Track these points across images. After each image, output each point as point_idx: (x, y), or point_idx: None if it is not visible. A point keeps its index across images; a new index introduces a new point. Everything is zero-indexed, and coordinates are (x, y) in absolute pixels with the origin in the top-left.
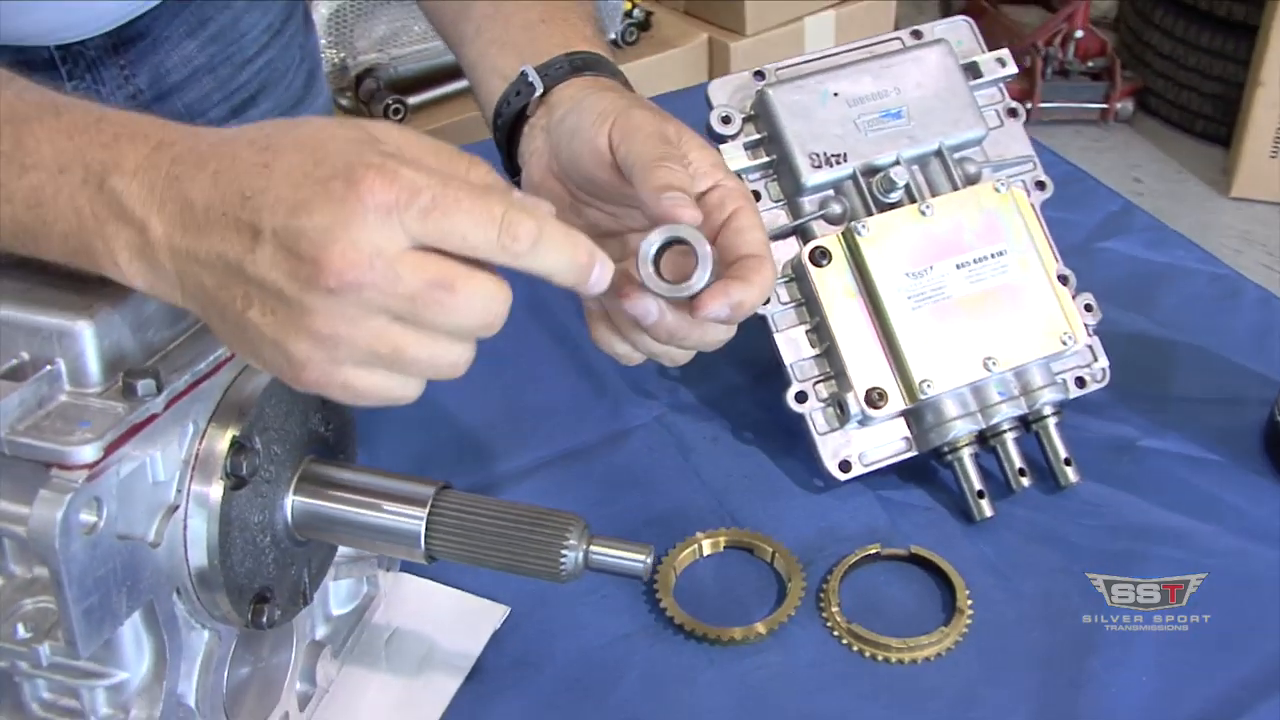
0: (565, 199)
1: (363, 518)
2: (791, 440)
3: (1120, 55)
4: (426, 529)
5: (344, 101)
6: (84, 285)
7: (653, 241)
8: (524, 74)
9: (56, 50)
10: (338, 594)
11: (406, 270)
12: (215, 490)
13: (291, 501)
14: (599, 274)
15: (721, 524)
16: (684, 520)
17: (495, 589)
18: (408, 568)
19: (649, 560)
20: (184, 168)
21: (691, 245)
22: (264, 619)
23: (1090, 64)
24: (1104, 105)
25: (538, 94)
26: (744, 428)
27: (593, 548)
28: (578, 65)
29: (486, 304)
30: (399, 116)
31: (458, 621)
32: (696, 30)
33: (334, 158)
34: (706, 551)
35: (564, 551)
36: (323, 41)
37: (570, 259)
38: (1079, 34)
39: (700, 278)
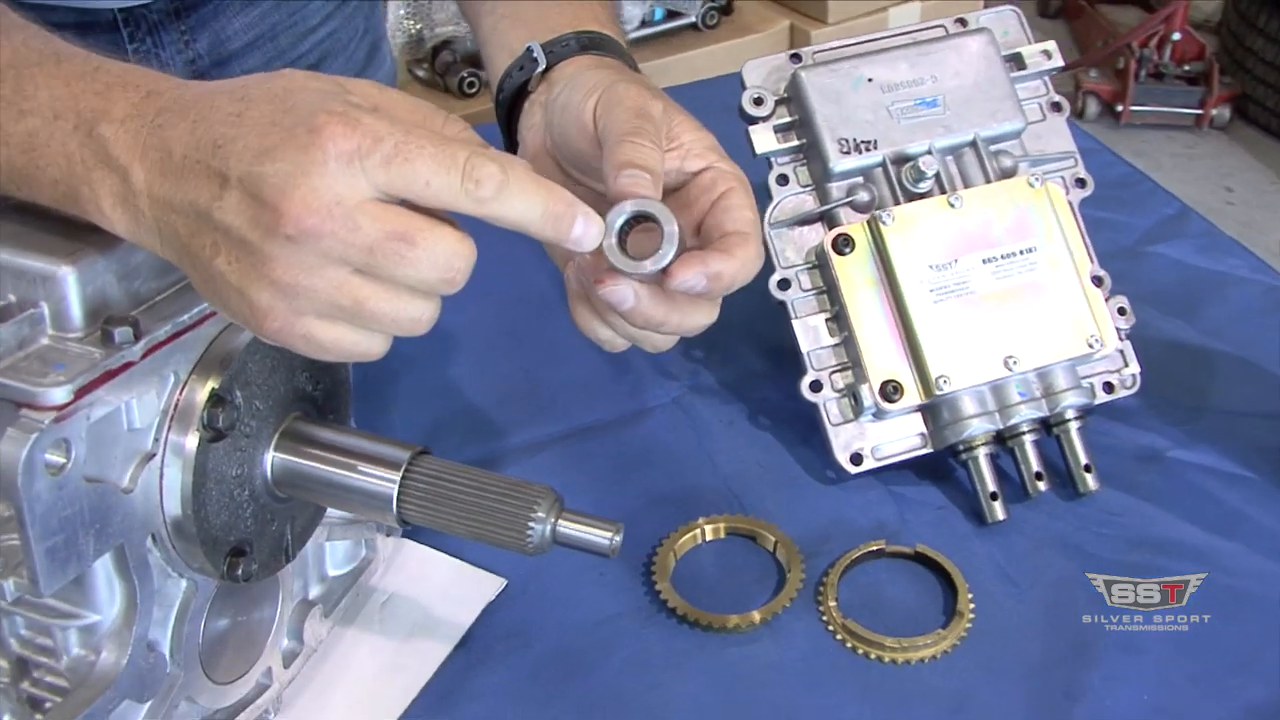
0: (559, 177)
1: (338, 477)
2: (808, 429)
3: (1220, 60)
4: (399, 493)
5: (420, 73)
6: (77, 231)
7: (615, 217)
8: (529, 49)
9: (119, 13)
10: (334, 555)
11: (366, 220)
12: (191, 440)
13: (272, 457)
14: (583, 227)
15: (729, 509)
16: (692, 503)
17: (495, 560)
18: (410, 533)
19: (616, 537)
20: (168, 116)
21: (656, 219)
22: (239, 572)
23: (1187, 68)
24: (1199, 111)
25: (540, 69)
26: (762, 413)
27: (561, 522)
28: (584, 44)
29: (448, 258)
30: (473, 90)
31: (453, 590)
32: (778, 16)
33: (301, 107)
34: (708, 537)
35: (531, 524)
36: (400, 12)
37: (544, 207)
38: (1176, 36)
39: (667, 251)
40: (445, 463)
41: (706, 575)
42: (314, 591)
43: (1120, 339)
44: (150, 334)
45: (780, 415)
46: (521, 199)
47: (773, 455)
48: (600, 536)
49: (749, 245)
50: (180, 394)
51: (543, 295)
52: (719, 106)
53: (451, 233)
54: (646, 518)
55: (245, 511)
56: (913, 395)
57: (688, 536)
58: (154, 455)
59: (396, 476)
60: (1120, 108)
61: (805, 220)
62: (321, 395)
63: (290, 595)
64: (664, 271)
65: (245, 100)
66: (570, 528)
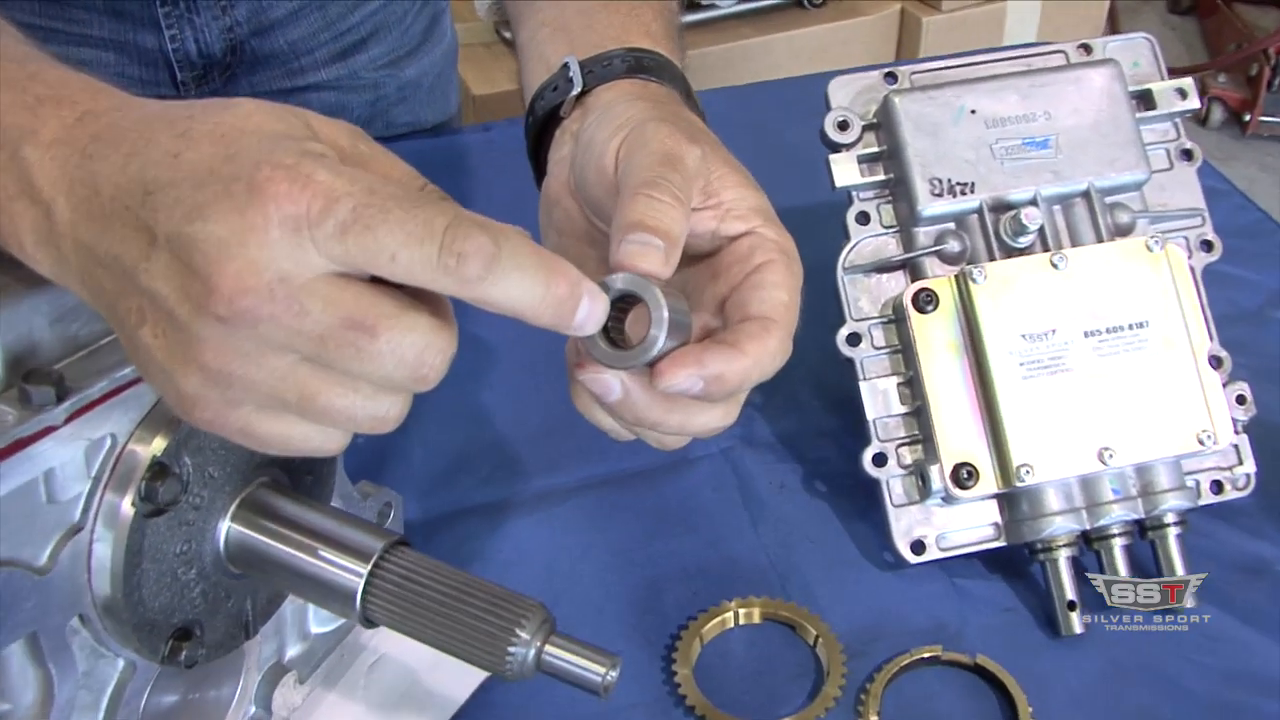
0: (581, 225)
1: (298, 562)
2: (868, 502)
3: None
4: (365, 588)
5: (507, 34)
6: (2, 264)
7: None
8: (565, 66)
9: None
10: (318, 612)
11: (315, 303)
12: (126, 515)
13: (227, 529)
14: (587, 312)
15: (768, 589)
16: (727, 578)
17: None
18: None
19: (611, 674)
20: (100, 146)
21: (644, 301)
22: (182, 657)
23: None
24: None
25: (575, 92)
26: (819, 477)
27: (549, 648)
28: (631, 65)
29: (418, 354)
30: None
31: (449, 658)
32: None
33: (246, 154)
34: (741, 621)
35: (512, 646)
36: None
37: (544, 290)
38: None
39: (652, 343)
40: (424, 559)
41: (735, 667)
42: (291, 652)
43: (1236, 432)
44: (80, 392)
45: (839, 482)
46: (517, 279)
47: (825, 529)
48: (592, 671)
49: (768, 337)
50: (117, 459)
51: None
52: (805, 111)
53: (425, 320)
54: (674, 590)
55: (192, 591)
56: (989, 483)
57: (717, 620)
58: (81, 529)
59: (364, 569)
60: (1248, 117)
61: (885, 267)
62: (296, 460)
63: (258, 662)
64: (651, 367)
65: (186, 137)
66: (558, 656)
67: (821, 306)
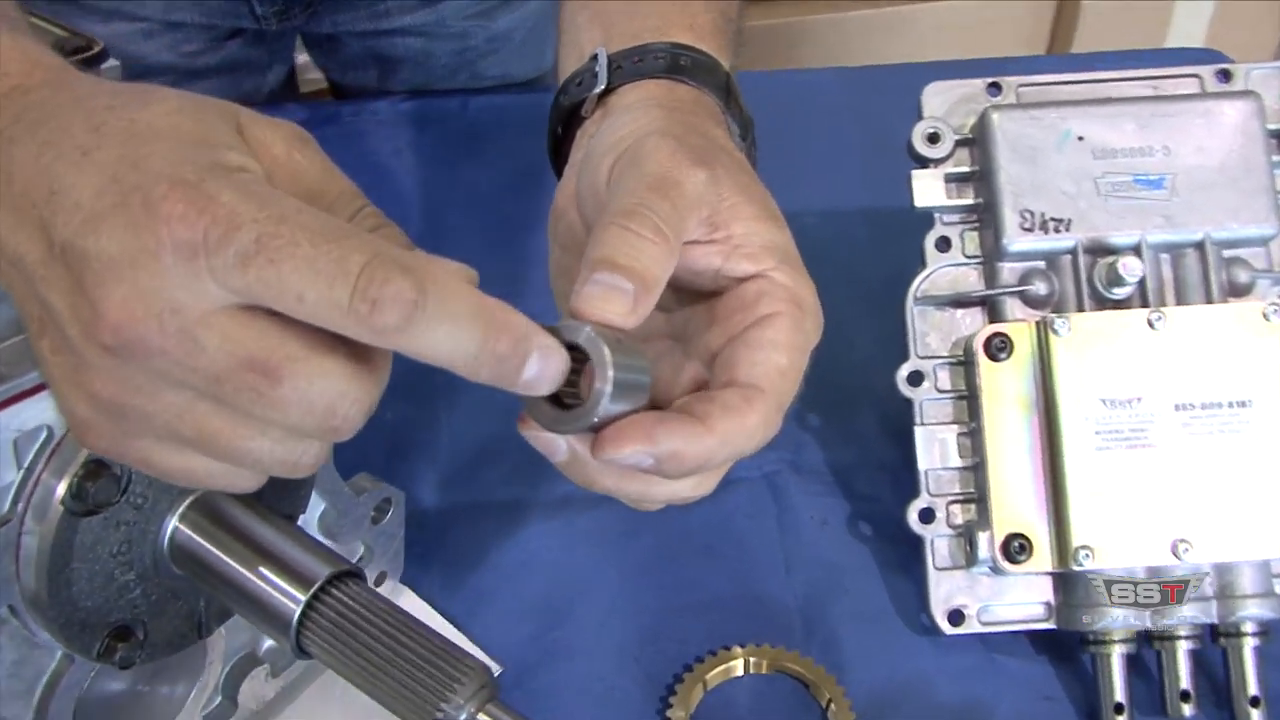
0: (585, 244)
1: (237, 576)
2: (913, 554)
3: None
4: (301, 618)
5: None
6: None
7: None
8: (594, 59)
9: None
10: None
11: (212, 339)
12: (55, 512)
13: (173, 529)
14: (538, 371)
15: (789, 635)
16: (746, 618)
17: (501, 640)
18: (409, 581)
19: None
20: (21, 128)
21: (589, 356)
22: (117, 658)
23: None
24: None
25: (598, 89)
26: (865, 518)
27: (482, 716)
28: (667, 63)
29: (329, 403)
30: None
31: None
32: None
33: (150, 162)
34: (751, 670)
35: (440, 710)
36: None
37: (478, 346)
38: None
39: (594, 407)
40: (372, 598)
41: (736, 718)
42: (268, 643)
43: None
44: (11, 380)
45: (887, 526)
46: (446, 332)
47: (862, 578)
48: None
49: (747, 413)
50: (52, 453)
51: None
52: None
53: (338, 366)
54: (685, 623)
55: (131, 592)
56: (1043, 559)
57: (725, 666)
58: (8, 520)
59: (303, 596)
60: None
61: (961, 302)
62: None
63: (224, 655)
64: (593, 430)
65: (99, 132)
66: None
67: (900, 328)
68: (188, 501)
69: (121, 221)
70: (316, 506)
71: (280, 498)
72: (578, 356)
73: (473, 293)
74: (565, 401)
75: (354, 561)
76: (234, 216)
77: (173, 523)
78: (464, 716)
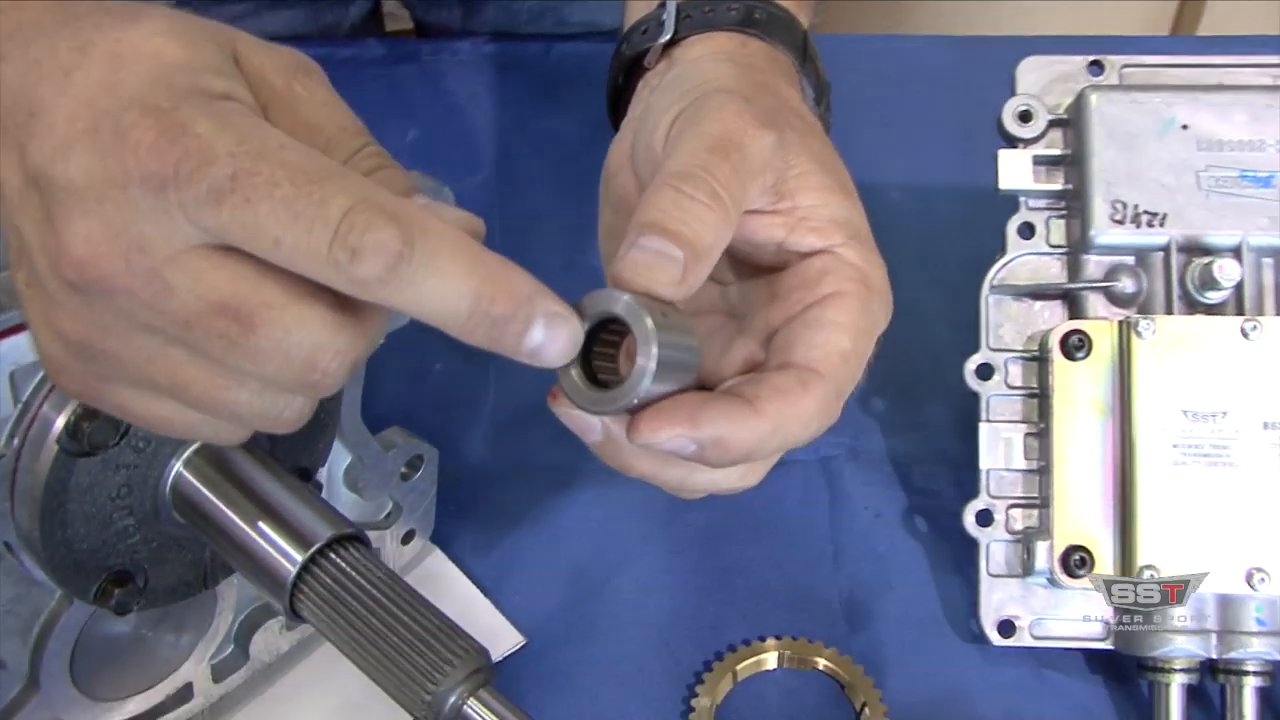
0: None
1: (235, 529)
2: (969, 556)
3: None
4: (295, 581)
5: None
6: None
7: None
8: (662, 5)
9: None
10: None
11: (182, 281)
12: (50, 452)
13: (175, 477)
14: (543, 339)
15: (829, 632)
16: (787, 607)
17: (529, 609)
18: (438, 540)
19: None
20: (13, 44)
21: (629, 327)
22: (113, 603)
23: None
24: None
25: (663, 39)
26: (923, 512)
27: (472, 703)
28: (740, 15)
29: (307, 354)
30: None
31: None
32: None
33: (130, 85)
34: (784, 664)
35: (428, 692)
36: None
37: (470, 305)
38: None
39: (635, 386)
40: (373, 566)
41: (762, 714)
42: None
43: None
44: (7, 310)
45: (944, 523)
46: (433, 287)
47: (912, 577)
48: None
49: (802, 398)
50: (51, 388)
51: None
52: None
53: (319, 315)
54: (722, 609)
55: (130, 537)
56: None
57: (758, 658)
58: (2, 456)
59: (300, 557)
60: None
61: (1040, 293)
62: None
63: (235, 605)
64: (631, 411)
65: (84, 51)
66: (479, 714)
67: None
68: (193, 448)
69: (91, 149)
70: (342, 458)
71: (297, 448)
72: (616, 329)
73: (470, 246)
74: (601, 378)
75: (382, 517)
76: (208, 149)
77: (176, 468)
78: (453, 700)
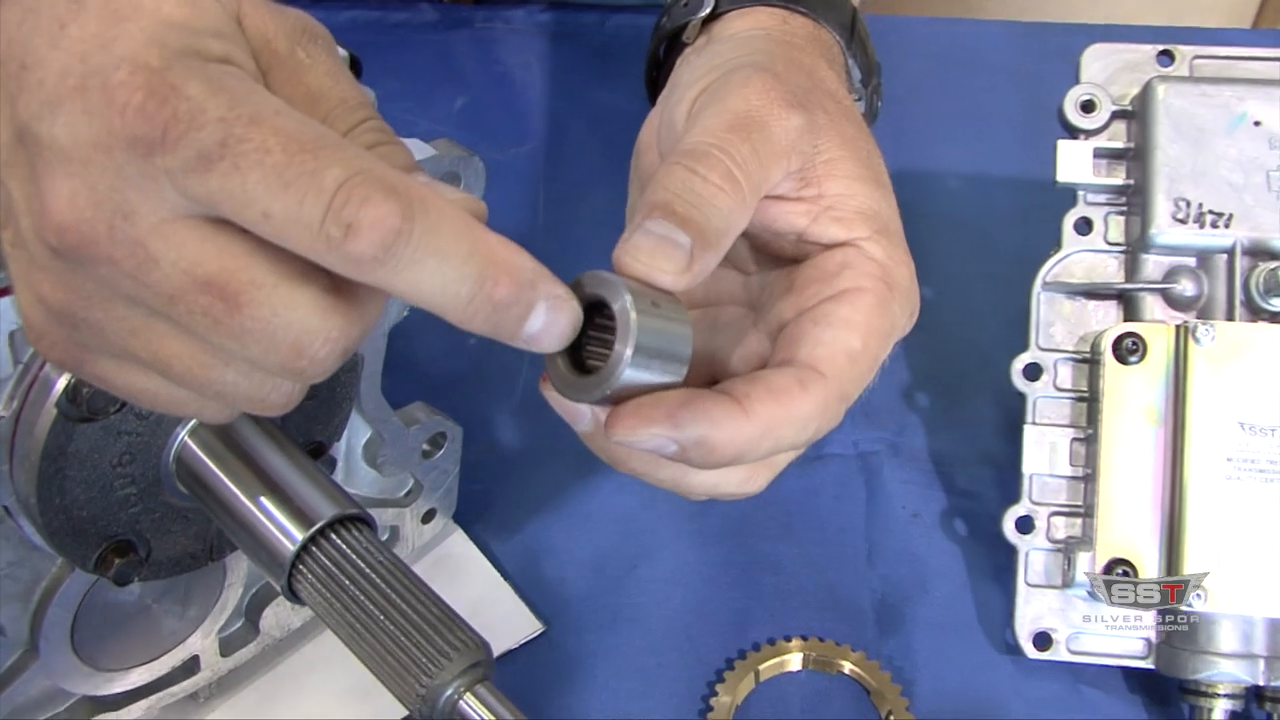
0: None
1: (236, 503)
2: (1008, 562)
3: None
4: (294, 561)
5: None
6: None
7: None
8: None
9: None
10: None
11: (168, 254)
12: (48, 415)
13: (179, 447)
14: (543, 324)
15: (859, 635)
16: (816, 607)
17: (550, 595)
18: (460, 520)
19: None
20: None
21: (613, 311)
22: (112, 572)
23: None
24: None
25: (702, 14)
26: (963, 515)
27: (468, 698)
28: None
29: (293, 339)
30: None
31: (480, 616)
32: None
33: (124, 42)
34: (809, 666)
35: (422, 685)
36: None
37: (471, 288)
38: None
39: (611, 374)
40: (376, 550)
41: (785, 718)
42: None
43: None
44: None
45: (984, 526)
46: (431, 269)
47: (947, 582)
48: None
49: (800, 399)
50: None
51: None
52: None
53: (310, 299)
54: (748, 605)
55: (132, 506)
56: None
57: (782, 658)
58: (0, 418)
59: (301, 536)
60: None
61: (1095, 293)
62: None
63: (246, 576)
64: (606, 402)
65: (80, 4)
66: (475, 710)
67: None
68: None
69: (78, 107)
70: (362, 432)
71: (311, 422)
72: (610, 314)
73: (472, 225)
74: (590, 364)
75: (402, 495)
76: (198, 112)
77: (181, 437)
78: (449, 693)
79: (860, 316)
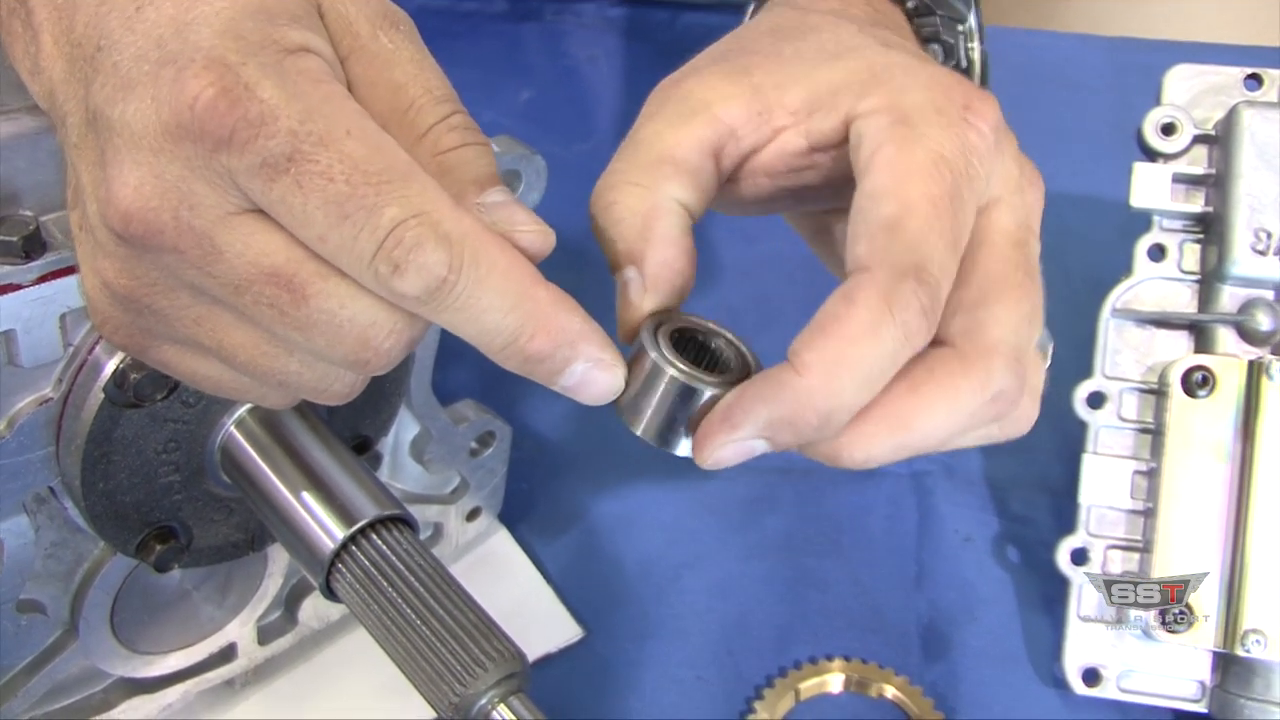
0: None
1: (279, 497)
2: (1061, 594)
3: None
4: (334, 560)
5: None
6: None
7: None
8: None
9: None
10: None
11: (234, 245)
12: (95, 400)
13: (225, 435)
14: (578, 381)
15: (903, 660)
16: (861, 629)
17: (592, 602)
18: (506, 520)
19: None
20: None
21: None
22: (153, 559)
23: None
24: None
25: None
26: (1016, 541)
27: (501, 709)
28: None
29: (359, 331)
30: None
31: (519, 618)
32: None
33: (200, 29)
34: (850, 689)
35: (456, 694)
36: None
37: (507, 338)
38: None
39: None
40: (417, 552)
41: None
42: None
43: None
44: (56, 252)
45: (1038, 554)
46: (471, 316)
47: (997, 610)
48: None
49: (844, 320)
50: (99, 335)
51: (759, 273)
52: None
53: (366, 295)
54: (792, 622)
55: (176, 494)
56: (1205, 634)
57: (822, 679)
58: (49, 400)
59: (342, 534)
60: None
61: (1165, 322)
62: None
63: (287, 567)
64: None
65: None
66: None
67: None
68: (246, 408)
69: (150, 94)
70: (410, 428)
71: (358, 416)
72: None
73: (521, 277)
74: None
75: (448, 492)
76: (269, 118)
77: (228, 427)
78: (482, 703)
79: (882, 178)
